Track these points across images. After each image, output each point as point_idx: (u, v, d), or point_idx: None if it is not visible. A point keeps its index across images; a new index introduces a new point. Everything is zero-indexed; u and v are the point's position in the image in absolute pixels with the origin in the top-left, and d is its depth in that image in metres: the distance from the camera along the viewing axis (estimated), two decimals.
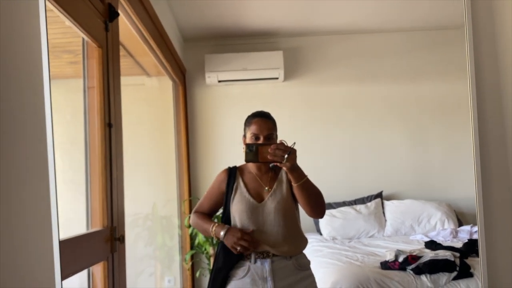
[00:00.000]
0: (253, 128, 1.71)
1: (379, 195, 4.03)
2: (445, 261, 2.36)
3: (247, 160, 1.58)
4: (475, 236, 3.36)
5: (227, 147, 4.13)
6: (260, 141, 1.66)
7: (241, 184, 1.76)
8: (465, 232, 3.43)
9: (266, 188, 1.74)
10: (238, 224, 1.70)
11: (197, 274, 3.98)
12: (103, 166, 1.82)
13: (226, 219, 1.76)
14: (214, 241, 3.51)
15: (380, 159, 4.25)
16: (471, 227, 3.51)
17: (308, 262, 1.76)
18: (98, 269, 1.78)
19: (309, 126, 4.21)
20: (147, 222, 4.05)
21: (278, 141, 1.57)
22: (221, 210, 1.85)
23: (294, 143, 1.53)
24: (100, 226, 1.79)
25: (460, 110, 4.30)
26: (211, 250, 3.68)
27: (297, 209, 1.76)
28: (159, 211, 4.04)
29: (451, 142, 4.27)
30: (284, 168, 1.54)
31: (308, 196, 1.62)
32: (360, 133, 4.26)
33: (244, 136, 1.77)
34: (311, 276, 1.73)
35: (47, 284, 0.85)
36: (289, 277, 1.66)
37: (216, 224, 1.70)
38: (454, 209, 3.96)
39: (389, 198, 4.14)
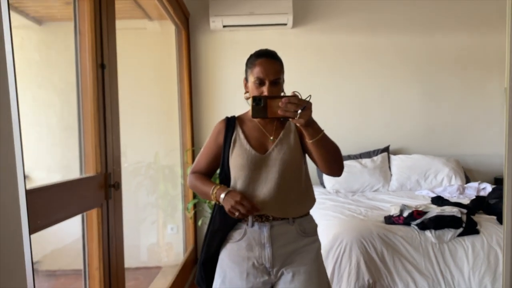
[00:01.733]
0: (257, 71, 1.45)
1: (386, 149, 3.93)
2: (452, 217, 2.28)
3: (254, 116, 1.33)
4: (482, 193, 3.29)
5: (231, 96, 4.00)
6: (265, 86, 1.43)
7: (241, 135, 1.53)
8: (473, 189, 3.35)
9: (271, 138, 1.52)
10: (238, 181, 1.49)
11: (199, 223, 3.98)
12: (95, 108, 1.72)
13: (224, 177, 1.54)
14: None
15: (390, 113, 4.11)
16: (479, 183, 3.42)
17: (315, 226, 1.57)
18: (92, 216, 1.72)
19: (317, 76, 4.05)
20: (149, 171, 4.01)
21: (290, 93, 1.31)
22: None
23: (310, 96, 1.32)
24: (93, 172, 1.72)
25: (477, 64, 4.13)
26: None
27: (305, 162, 1.55)
28: (162, 160, 3.99)
29: (465, 97, 4.11)
30: (297, 124, 1.29)
31: (325, 153, 1.38)
32: (370, 85, 4.10)
33: (246, 79, 1.54)
34: (315, 242, 1.52)
35: (12, 236, 0.77)
36: (290, 244, 1.47)
37: (218, 186, 1.48)
38: (462, 165, 3.87)
39: (396, 152, 4.05)
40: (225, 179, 1.54)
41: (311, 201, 1.57)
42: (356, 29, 4.07)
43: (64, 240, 2.73)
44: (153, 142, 3.96)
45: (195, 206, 3.91)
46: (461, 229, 2.28)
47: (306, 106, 1.26)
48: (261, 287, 1.45)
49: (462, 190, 3.34)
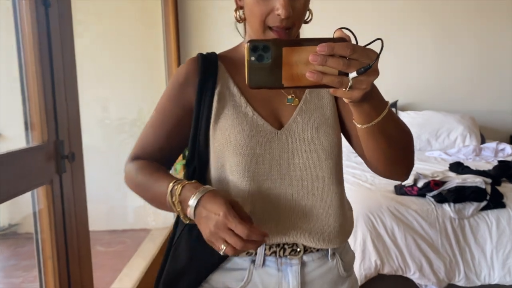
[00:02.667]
0: None
1: (394, 105, 3.57)
2: (474, 189, 1.97)
3: (254, 84, 0.64)
4: (500, 155, 2.97)
5: (226, 42, 3.58)
6: (280, 14, 0.78)
7: (233, 88, 0.89)
8: (490, 150, 3.02)
9: (290, 97, 0.89)
10: (230, 178, 0.86)
11: None
12: (37, 60, 1.34)
13: (198, 168, 0.90)
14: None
15: (398, 64, 3.70)
16: (497, 144, 3.09)
17: (353, 256, 0.99)
18: (40, 196, 1.39)
19: (317, 24, 3.60)
20: (133, 128, 3.69)
21: (335, 33, 0.62)
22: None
23: (381, 41, 0.63)
24: (39, 141, 1.37)
25: (497, 13, 3.67)
26: None
27: (340, 141, 0.92)
28: (146, 116, 3.63)
29: (480, 46, 3.69)
30: (346, 100, 0.65)
31: (387, 144, 0.74)
32: (377, 31, 3.65)
33: None
34: (356, 284, 0.97)
35: None
36: None
37: (182, 183, 0.79)
38: (479, 123, 3.52)
39: (404, 108, 3.69)
40: (199, 173, 0.91)
41: (351, 212, 0.97)
42: None
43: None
44: (138, 97, 3.62)
45: (184, 167, 3.60)
46: (485, 202, 1.97)
47: (371, 66, 0.60)
48: None
49: (478, 152, 3.02)
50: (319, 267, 0.87)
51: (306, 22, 0.88)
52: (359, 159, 2.61)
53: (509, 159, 2.84)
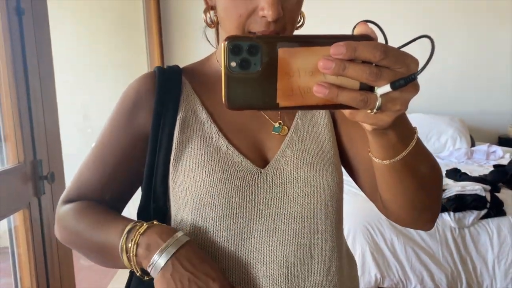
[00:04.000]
0: None
1: None
2: (474, 197, 1.91)
3: (232, 105, 0.42)
4: (492, 157, 2.94)
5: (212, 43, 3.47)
6: (265, 15, 0.58)
7: (202, 113, 0.70)
8: (481, 153, 2.99)
9: (277, 125, 0.70)
10: (202, 237, 0.66)
11: None
12: (11, 73, 1.21)
13: (157, 217, 0.68)
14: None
15: None
16: (488, 146, 3.05)
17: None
18: (17, 221, 1.27)
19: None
20: None
21: (356, 30, 0.43)
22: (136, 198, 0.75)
23: (432, 41, 0.44)
24: (15, 161, 1.25)
25: (487, 11, 3.63)
26: None
27: (341, 181, 0.73)
28: None
29: (469, 45, 3.66)
30: (368, 127, 0.47)
31: (413, 184, 0.56)
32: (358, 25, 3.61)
33: None
34: None
35: None
36: None
37: (145, 226, 0.60)
38: (467, 124, 3.48)
39: None
40: (157, 217, 0.69)
41: (354, 270, 0.78)
42: None
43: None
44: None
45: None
46: (485, 211, 1.91)
47: (413, 77, 0.42)
48: None
49: (470, 155, 2.98)
50: None
51: (296, 28, 0.68)
52: None
53: (501, 161, 2.81)
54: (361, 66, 0.39)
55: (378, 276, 1.83)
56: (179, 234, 0.59)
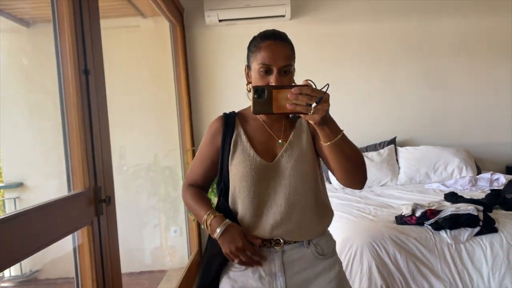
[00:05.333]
0: (262, 56, 1.18)
1: (393, 141, 3.79)
2: (467, 216, 2.15)
3: (256, 111, 1.05)
4: (495, 184, 3.15)
5: (231, 93, 3.86)
6: (273, 75, 1.17)
7: (243, 136, 1.28)
8: (485, 180, 3.21)
9: (280, 141, 1.27)
10: (239, 196, 1.26)
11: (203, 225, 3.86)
12: (80, 118, 1.58)
13: (223, 189, 1.31)
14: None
15: (395, 103, 3.96)
16: (491, 174, 3.28)
17: (333, 245, 1.32)
18: (82, 236, 1.60)
19: (318, 68, 3.90)
20: (149, 173, 3.91)
21: (302, 82, 1.04)
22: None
23: (327, 85, 1.00)
24: (81, 188, 1.59)
25: (485, 49, 3.94)
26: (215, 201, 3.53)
27: (320, 168, 1.32)
28: (161, 161, 3.87)
29: (472, 84, 3.95)
30: (311, 122, 1.03)
31: (344, 159, 1.10)
32: (374, 75, 3.95)
33: (248, 66, 1.28)
34: (336, 265, 1.28)
35: None
36: (306, 269, 1.23)
37: (212, 216, 1.25)
38: (473, 155, 3.72)
39: (403, 144, 3.91)
40: (224, 191, 1.31)
41: (330, 216, 1.33)
42: (356, 18, 3.91)
43: (65, 248, 2.64)
44: (152, 144, 3.86)
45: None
46: (478, 228, 2.14)
47: (322, 98, 0.98)
48: None
49: (474, 182, 3.20)
50: (296, 253, 1.25)
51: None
52: (363, 193, 2.82)
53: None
54: (304, 96, 0.99)
55: (384, 287, 2.06)
56: (226, 222, 1.24)
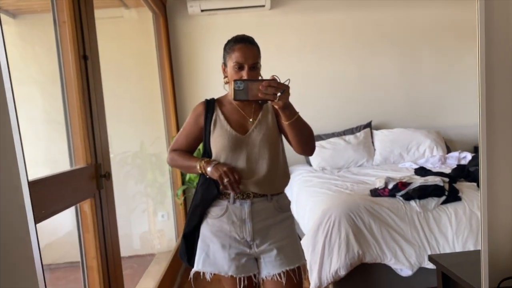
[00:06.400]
0: (236, 56, 1.53)
1: (369, 125, 4.01)
2: (434, 186, 2.37)
3: (236, 98, 1.40)
4: (463, 162, 3.40)
5: (213, 80, 4.01)
6: (245, 71, 1.51)
7: (221, 116, 1.60)
8: (454, 158, 3.46)
9: (251, 119, 1.60)
10: (220, 161, 1.57)
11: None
12: (81, 100, 1.72)
13: (208, 157, 1.61)
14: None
15: (370, 89, 4.18)
16: (459, 153, 3.53)
17: (288, 203, 1.68)
18: (86, 207, 1.75)
19: (296, 56, 4.08)
20: (136, 160, 4.02)
21: (270, 77, 1.39)
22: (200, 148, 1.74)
23: (288, 80, 1.38)
24: (84, 164, 1.74)
25: (453, 35, 4.20)
26: None
27: (281, 141, 1.65)
28: (148, 148, 3.99)
29: (442, 69, 4.19)
30: (276, 106, 1.39)
31: (299, 134, 1.50)
32: (350, 62, 4.15)
33: (224, 64, 1.61)
34: (290, 218, 1.65)
35: (19, 226, 0.80)
36: (268, 219, 1.57)
37: (205, 160, 1.55)
38: (443, 136, 3.98)
39: (378, 127, 4.13)
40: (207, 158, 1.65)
41: (287, 179, 1.66)
42: (333, 7, 4.10)
43: (56, 234, 2.74)
44: (138, 132, 3.96)
45: (184, 192, 3.94)
46: (444, 197, 2.36)
47: (285, 89, 1.35)
48: (243, 259, 1.55)
49: (443, 160, 3.44)
50: (261, 204, 1.57)
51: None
52: (341, 173, 3.04)
53: None
54: (271, 88, 1.37)
55: (360, 252, 2.27)
56: (214, 161, 1.54)
